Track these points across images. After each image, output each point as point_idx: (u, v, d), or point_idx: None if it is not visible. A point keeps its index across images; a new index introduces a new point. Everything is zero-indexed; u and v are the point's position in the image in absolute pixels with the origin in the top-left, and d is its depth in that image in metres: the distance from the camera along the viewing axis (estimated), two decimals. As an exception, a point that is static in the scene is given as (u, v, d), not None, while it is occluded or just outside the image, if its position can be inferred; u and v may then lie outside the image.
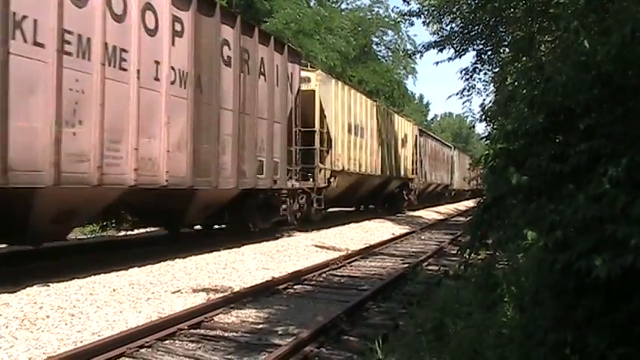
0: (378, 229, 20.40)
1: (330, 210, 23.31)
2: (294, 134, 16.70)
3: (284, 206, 16.12)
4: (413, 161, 31.97)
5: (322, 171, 18.88)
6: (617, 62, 3.47)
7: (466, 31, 14.01)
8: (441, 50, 14.98)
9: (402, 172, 29.42)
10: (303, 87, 17.61)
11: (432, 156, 38.04)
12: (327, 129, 19.14)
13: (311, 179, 18.27)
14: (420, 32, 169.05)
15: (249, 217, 14.71)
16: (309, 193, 17.89)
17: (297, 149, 16.90)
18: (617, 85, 3.62)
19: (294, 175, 16.56)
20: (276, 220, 16.16)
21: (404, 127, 30.39)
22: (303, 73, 17.85)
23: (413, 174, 31.65)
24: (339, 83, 20.93)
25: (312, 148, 18.25)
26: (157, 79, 10.41)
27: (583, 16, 4.42)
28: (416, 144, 32.76)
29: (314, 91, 18.46)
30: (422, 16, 15.68)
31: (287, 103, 15.83)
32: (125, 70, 9.61)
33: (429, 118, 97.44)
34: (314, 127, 18.32)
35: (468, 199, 54.66)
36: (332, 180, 19.59)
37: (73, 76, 8.56)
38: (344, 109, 20.72)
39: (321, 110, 18.77)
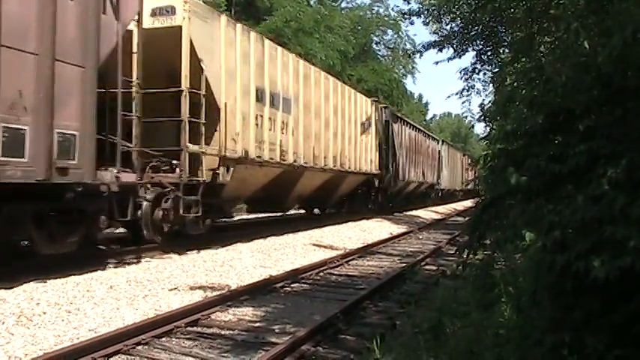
0: (375, 229, 20.40)
1: (251, 217, 20.72)
2: (127, 94, 10.25)
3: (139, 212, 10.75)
4: (380, 153, 25.78)
5: (202, 157, 12.14)
6: (617, 63, 3.47)
7: (466, 31, 14.01)
8: (440, 50, 14.99)
9: (362, 167, 23.13)
10: (160, 22, 11.68)
11: (411, 148, 31.42)
12: (211, 92, 12.36)
13: (177, 170, 11.79)
14: (420, 32, 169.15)
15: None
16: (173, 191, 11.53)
17: (136, 119, 10.49)
18: (616, 86, 3.62)
19: (119, 160, 9.87)
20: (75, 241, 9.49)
21: (365, 107, 23.90)
22: (163, 1, 11.76)
23: (379, 169, 25.33)
24: (239, 26, 13.92)
25: (176, 119, 11.75)
26: None
27: (583, 17, 4.41)
28: (388, 132, 26.90)
29: (180, 28, 11.67)
30: (422, 15, 15.69)
31: (97, 34, 9.18)
32: None
33: (428, 117, 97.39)
34: (179, 86, 11.66)
35: (460, 200, 50.52)
36: (223, 172, 12.91)
37: None
38: (248, 67, 13.94)
39: (195, 60, 11.91)
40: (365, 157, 23.62)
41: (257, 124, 14.31)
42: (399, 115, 31.00)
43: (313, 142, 17.92)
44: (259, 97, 14.44)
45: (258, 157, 14.35)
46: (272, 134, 15.07)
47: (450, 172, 45.34)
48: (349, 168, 21.47)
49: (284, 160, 15.81)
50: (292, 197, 18.59)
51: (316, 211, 23.88)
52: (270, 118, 14.96)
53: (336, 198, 22.80)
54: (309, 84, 17.71)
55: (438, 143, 41.36)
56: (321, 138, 18.65)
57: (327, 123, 19.11)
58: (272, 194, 16.69)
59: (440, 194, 42.62)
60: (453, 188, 47.30)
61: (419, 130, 35.46)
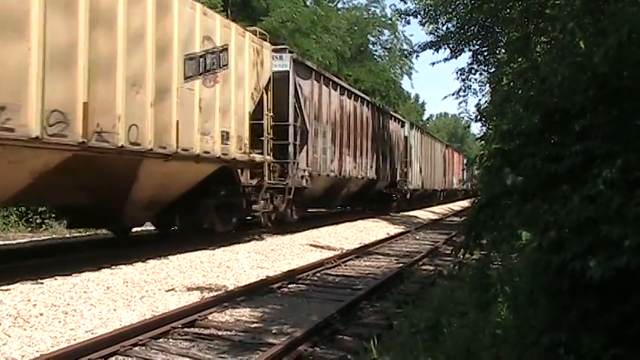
0: (372, 229, 20.40)
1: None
2: None
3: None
4: (269, 128, 15.19)
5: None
6: (613, 64, 3.48)
7: (462, 31, 14.06)
8: (437, 50, 15.04)
9: (216, 150, 12.47)
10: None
11: (347, 127, 21.36)
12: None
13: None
14: (417, 33, 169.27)
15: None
16: None
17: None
18: (612, 86, 3.62)
19: None
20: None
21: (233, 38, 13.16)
22: None
23: (266, 155, 14.91)
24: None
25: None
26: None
27: (579, 18, 4.42)
28: (297, 93, 16.71)
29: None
30: (418, 16, 15.73)
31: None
32: None
33: (424, 118, 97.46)
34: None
35: (440, 203, 42.59)
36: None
37: None
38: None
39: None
40: (211, 128, 12.26)
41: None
42: (325, 73, 19.86)
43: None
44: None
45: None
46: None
47: (427, 166, 36.42)
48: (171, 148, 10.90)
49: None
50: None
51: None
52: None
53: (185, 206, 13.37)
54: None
55: (402, 126, 31.18)
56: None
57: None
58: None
59: (408, 195, 31.63)
60: (430, 188, 38.02)
61: (362, 100, 23.53)
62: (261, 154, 14.74)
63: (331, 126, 19.75)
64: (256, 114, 14.50)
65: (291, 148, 16.38)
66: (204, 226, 13.52)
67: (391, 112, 29.40)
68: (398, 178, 29.17)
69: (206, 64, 11.91)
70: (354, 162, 22.29)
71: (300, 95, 16.90)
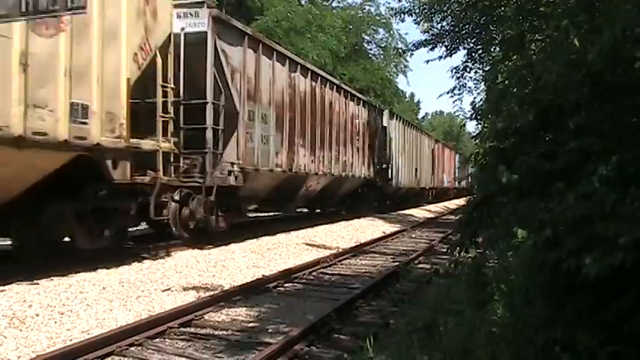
0: (368, 228, 20.40)
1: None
2: None
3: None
4: (167, 105, 11.11)
5: None
6: (607, 61, 3.48)
7: (457, 29, 14.04)
8: (432, 49, 15.01)
9: (60, 131, 8.32)
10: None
11: (302, 111, 17.41)
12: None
13: None
14: (411, 31, 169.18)
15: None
16: None
17: None
18: (607, 83, 3.63)
19: None
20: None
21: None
22: None
23: (161, 141, 10.85)
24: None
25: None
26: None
27: (573, 15, 4.42)
28: (220, 61, 12.81)
29: None
30: (413, 14, 15.71)
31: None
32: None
33: (420, 116, 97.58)
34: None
35: (429, 203, 39.00)
36: None
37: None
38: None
39: None
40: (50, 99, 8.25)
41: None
42: (250, 30, 15.06)
43: None
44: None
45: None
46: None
47: (411, 162, 32.20)
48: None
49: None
50: None
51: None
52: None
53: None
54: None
55: (380, 115, 27.36)
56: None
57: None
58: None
59: (389, 195, 29.31)
60: (417, 187, 34.40)
61: (323, 80, 19.44)
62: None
63: (276, 109, 15.50)
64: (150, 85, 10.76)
65: (209, 134, 12.43)
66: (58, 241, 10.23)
67: (365, 99, 25.13)
68: (375, 175, 25.42)
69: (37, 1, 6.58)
70: (313, 155, 18.18)
71: (224, 65, 12.82)
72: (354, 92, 23.66)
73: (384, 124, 27.49)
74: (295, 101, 16.90)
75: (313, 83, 18.34)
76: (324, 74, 20.06)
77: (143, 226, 13.01)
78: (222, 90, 12.78)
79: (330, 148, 19.84)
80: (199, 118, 12.31)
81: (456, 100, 15.74)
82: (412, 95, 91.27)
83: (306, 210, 23.34)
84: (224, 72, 12.78)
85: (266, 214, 21.22)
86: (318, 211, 23.17)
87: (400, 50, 30.85)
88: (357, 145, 23.17)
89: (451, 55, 14.73)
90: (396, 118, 30.00)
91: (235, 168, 13.20)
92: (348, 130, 22.01)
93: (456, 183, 50.41)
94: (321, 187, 19.86)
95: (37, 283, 8.13)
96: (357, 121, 23.27)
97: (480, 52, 14.20)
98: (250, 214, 20.52)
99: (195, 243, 12.27)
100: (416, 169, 33.55)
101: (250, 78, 14.04)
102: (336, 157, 20.53)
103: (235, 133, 13.32)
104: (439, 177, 43.26)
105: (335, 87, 20.56)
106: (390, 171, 27.58)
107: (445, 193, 48.14)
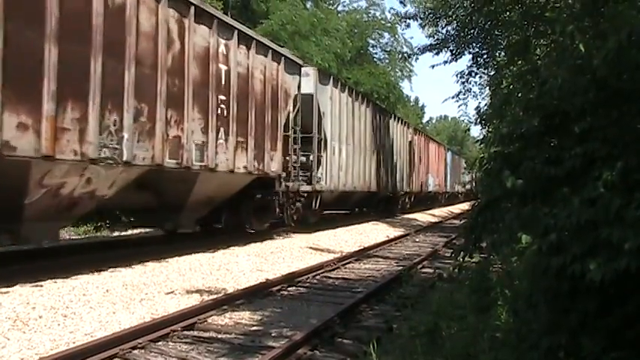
0: (372, 232, 20.39)
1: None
2: None
3: None
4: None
5: None
6: (613, 66, 3.47)
7: (462, 34, 14.04)
8: (437, 53, 15.02)
9: None
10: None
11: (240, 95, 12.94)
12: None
13: None
14: (417, 35, 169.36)
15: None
16: None
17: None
18: (612, 89, 3.62)
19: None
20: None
21: None
22: None
23: None
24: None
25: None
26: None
27: (578, 20, 4.42)
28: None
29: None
30: (418, 19, 15.73)
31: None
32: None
33: (424, 120, 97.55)
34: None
35: (405, 212, 30.34)
36: None
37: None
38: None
39: None
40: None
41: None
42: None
43: None
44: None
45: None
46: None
47: (363, 155, 23.16)
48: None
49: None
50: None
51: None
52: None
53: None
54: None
55: (295, 74, 16.81)
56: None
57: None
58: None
59: (318, 203, 18.64)
60: (385, 191, 26.53)
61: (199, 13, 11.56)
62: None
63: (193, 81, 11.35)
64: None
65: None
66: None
67: (276, 49, 15.74)
68: (287, 173, 16.49)
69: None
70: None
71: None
72: (294, 59, 17.18)
73: (310, 90, 17.94)
74: (239, 88, 13.23)
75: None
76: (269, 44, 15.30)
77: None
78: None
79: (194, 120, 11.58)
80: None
81: (460, 105, 15.78)
82: (417, 100, 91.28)
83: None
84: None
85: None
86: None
87: (405, 54, 30.81)
88: (228, 115, 12.84)
89: (456, 60, 14.75)
90: (337, 84, 20.11)
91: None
92: (236, 97, 13.14)
93: (455, 187, 46.41)
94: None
95: (41, 285, 8.14)
96: (260, 83, 14.37)
97: (485, 56, 14.21)
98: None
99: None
100: (378, 166, 25.16)
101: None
102: (198, 135, 11.78)
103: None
104: (421, 178, 34.79)
105: (218, 22, 12.42)
106: (324, 166, 19.01)
107: (433, 200, 40.61)
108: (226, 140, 12.74)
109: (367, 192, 24.16)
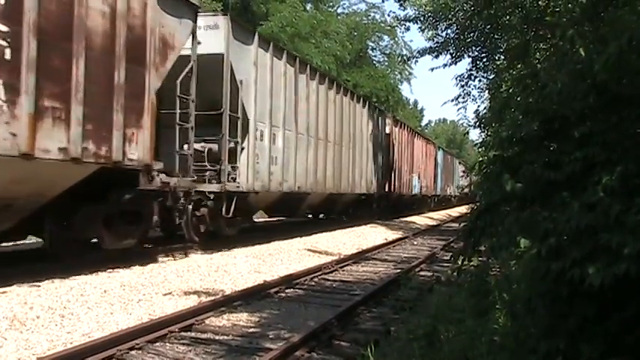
0: (370, 234, 20.39)
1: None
2: None
3: None
4: None
5: None
6: (613, 71, 3.47)
7: (462, 37, 14.08)
8: (436, 56, 15.06)
9: None
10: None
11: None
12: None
13: None
14: (416, 38, 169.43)
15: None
16: None
17: None
18: (612, 93, 3.62)
19: None
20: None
21: None
22: None
23: None
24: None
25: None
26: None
27: (579, 25, 4.43)
28: None
29: None
30: (418, 22, 15.76)
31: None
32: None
33: (423, 123, 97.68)
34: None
35: (367, 223, 23.36)
36: None
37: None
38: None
39: None
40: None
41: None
42: None
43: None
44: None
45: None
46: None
47: (315, 146, 18.28)
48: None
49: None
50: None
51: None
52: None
53: None
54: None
55: (214, 27, 12.99)
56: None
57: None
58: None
59: (231, 209, 13.45)
60: (338, 192, 20.74)
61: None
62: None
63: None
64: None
65: None
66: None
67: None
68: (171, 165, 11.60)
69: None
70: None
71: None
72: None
73: (217, 47, 13.06)
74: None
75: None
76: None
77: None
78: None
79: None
80: None
81: (460, 108, 15.81)
82: (415, 102, 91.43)
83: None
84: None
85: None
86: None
87: (405, 57, 30.77)
88: (16, 59, 7.64)
89: (456, 63, 14.78)
90: (266, 46, 15.09)
91: None
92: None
93: (447, 190, 44.33)
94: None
95: (39, 286, 8.13)
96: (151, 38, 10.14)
97: (485, 60, 14.25)
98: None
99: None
100: (340, 162, 20.90)
101: None
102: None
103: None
104: (403, 178, 30.11)
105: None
106: (233, 157, 13.78)
107: (421, 204, 36.21)
108: (9, 102, 7.43)
109: (325, 194, 19.58)
